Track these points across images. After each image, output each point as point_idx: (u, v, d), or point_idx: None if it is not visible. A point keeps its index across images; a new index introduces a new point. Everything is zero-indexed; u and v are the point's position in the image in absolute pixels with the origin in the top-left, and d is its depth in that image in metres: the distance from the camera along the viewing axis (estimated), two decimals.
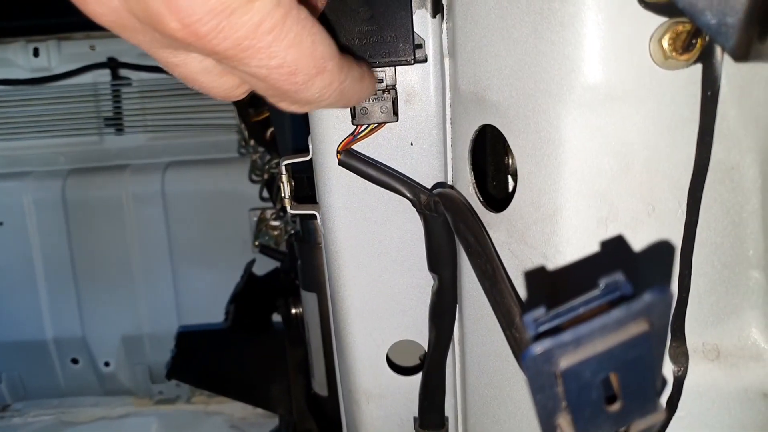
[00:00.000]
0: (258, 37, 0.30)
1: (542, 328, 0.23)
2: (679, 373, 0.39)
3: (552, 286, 0.38)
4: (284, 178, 0.57)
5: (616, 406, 0.25)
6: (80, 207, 1.57)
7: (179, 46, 0.32)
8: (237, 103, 1.29)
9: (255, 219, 1.43)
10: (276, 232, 1.41)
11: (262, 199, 1.39)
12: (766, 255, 0.37)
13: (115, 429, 1.57)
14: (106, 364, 1.62)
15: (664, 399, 0.39)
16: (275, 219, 1.38)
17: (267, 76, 0.32)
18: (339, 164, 0.50)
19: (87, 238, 1.58)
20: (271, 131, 1.13)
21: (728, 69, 0.34)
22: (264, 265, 1.40)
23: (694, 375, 0.39)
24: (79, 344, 1.60)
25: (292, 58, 0.32)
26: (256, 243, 1.39)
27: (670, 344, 0.39)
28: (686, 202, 0.36)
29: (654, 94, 0.35)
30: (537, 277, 0.39)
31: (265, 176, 1.30)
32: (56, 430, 1.57)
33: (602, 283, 0.23)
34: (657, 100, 0.35)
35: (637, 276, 0.37)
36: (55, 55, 1.54)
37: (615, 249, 0.37)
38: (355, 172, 0.50)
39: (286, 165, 0.57)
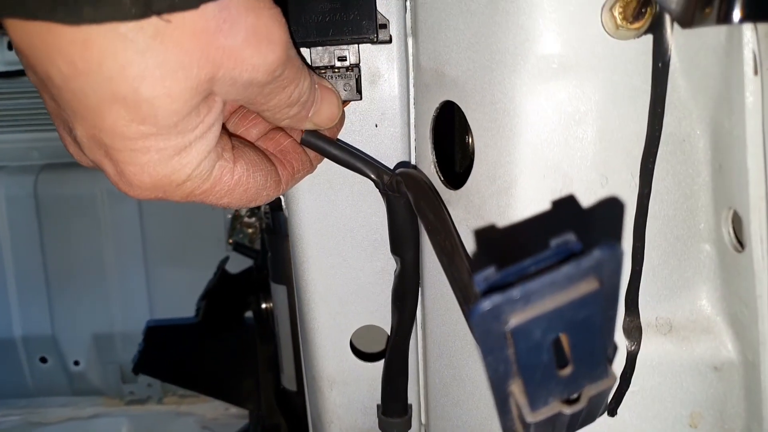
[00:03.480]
0: (193, 197, 0.37)
1: (491, 285, 0.22)
2: (633, 348, 0.39)
3: (504, 255, 0.38)
4: None
5: (567, 371, 0.25)
6: (53, 203, 1.54)
7: None
8: None
9: (229, 217, 1.42)
10: (251, 230, 1.40)
11: None
12: (716, 228, 0.37)
13: (85, 430, 1.54)
14: (76, 363, 1.59)
15: (618, 372, 0.39)
16: (250, 216, 1.37)
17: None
18: (301, 143, 0.50)
19: (59, 235, 1.55)
20: None
21: (678, 39, 0.34)
22: (238, 264, 1.38)
23: (647, 349, 0.39)
24: (48, 342, 1.57)
25: (227, 202, 0.39)
26: (230, 241, 1.38)
27: (624, 318, 0.39)
28: (639, 173, 0.36)
29: (607, 64, 0.35)
30: (490, 248, 0.39)
31: None
32: (24, 431, 1.53)
33: (553, 243, 0.23)
34: (610, 71, 0.35)
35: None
36: None
37: (569, 220, 0.37)
38: (317, 151, 0.50)
39: None
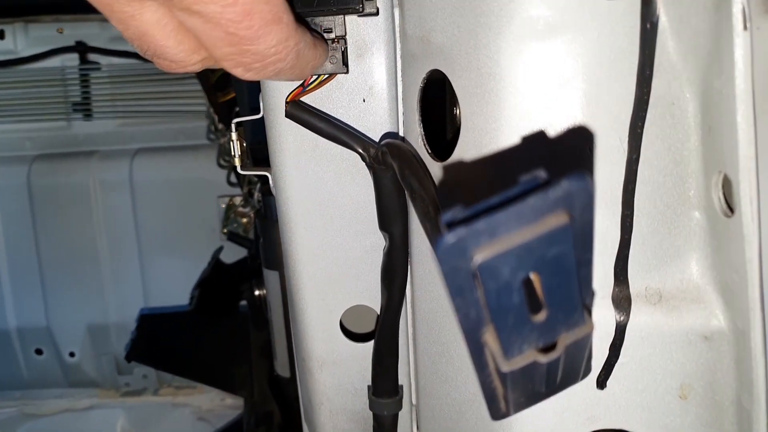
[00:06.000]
0: None
1: (457, 220, 0.21)
2: (622, 319, 0.38)
3: None
4: (234, 136, 0.55)
5: (541, 316, 0.24)
6: (46, 193, 1.54)
7: None
8: (205, 87, 1.27)
9: (223, 206, 1.41)
10: (245, 220, 1.39)
11: (230, 183, 1.37)
12: (706, 195, 0.36)
13: (80, 422, 1.53)
14: (71, 354, 1.58)
15: (606, 345, 0.38)
16: (244, 206, 1.36)
17: (220, 15, 0.32)
18: (286, 116, 0.49)
19: (53, 226, 1.54)
20: (238, 110, 1.11)
21: None
22: (233, 254, 1.38)
23: (637, 320, 0.38)
24: (43, 334, 1.57)
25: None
26: (225, 230, 1.38)
27: (613, 289, 0.38)
28: (627, 138, 0.35)
29: (594, 25, 0.34)
30: None
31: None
32: (19, 423, 1.53)
33: (522, 178, 0.22)
34: (597, 32, 0.34)
35: None
36: (22, 38, 1.51)
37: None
38: (302, 125, 0.49)
39: (236, 123, 0.55)
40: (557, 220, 0.22)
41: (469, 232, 0.21)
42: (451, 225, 0.21)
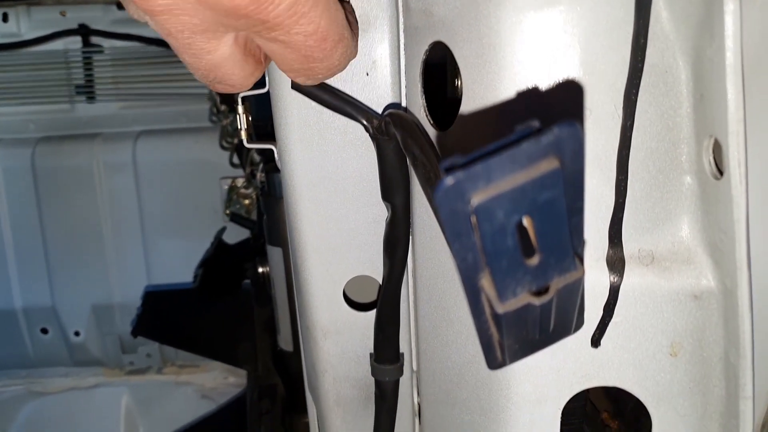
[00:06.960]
0: (303, 2, 0.32)
1: (455, 165, 0.23)
2: (616, 280, 0.40)
3: None
4: (240, 109, 0.57)
5: (534, 260, 0.26)
6: (50, 175, 1.55)
7: (220, 27, 0.34)
8: None
9: (226, 188, 1.43)
10: (247, 201, 1.41)
11: (233, 165, 1.38)
12: (698, 160, 0.37)
13: (85, 399, 1.56)
14: (76, 333, 1.61)
15: (601, 305, 0.40)
16: (246, 187, 1.38)
17: (303, 43, 0.35)
18: (291, 87, 0.50)
19: (57, 207, 1.56)
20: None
21: None
22: (235, 235, 1.40)
23: (630, 280, 0.40)
24: (48, 314, 1.59)
25: (325, 24, 0.35)
26: (227, 211, 1.39)
27: (608, 251, 0.40)
28: (622, 105, 0.37)
29: None
30: None
31: (236, 141, 1.29)
32: (25, 401, 1.55)
33: (518, 127, 0.24)
34: (593, 2, 0.36)
35: None
36: (25, 21, 1.51)
37: None
38: (307, 96, 0.50)
39: (242, 97, 0.57)
40: (549, 164, 0.23)
41: (466, 175, 0.22)
42: (449, 170, 0.22)
